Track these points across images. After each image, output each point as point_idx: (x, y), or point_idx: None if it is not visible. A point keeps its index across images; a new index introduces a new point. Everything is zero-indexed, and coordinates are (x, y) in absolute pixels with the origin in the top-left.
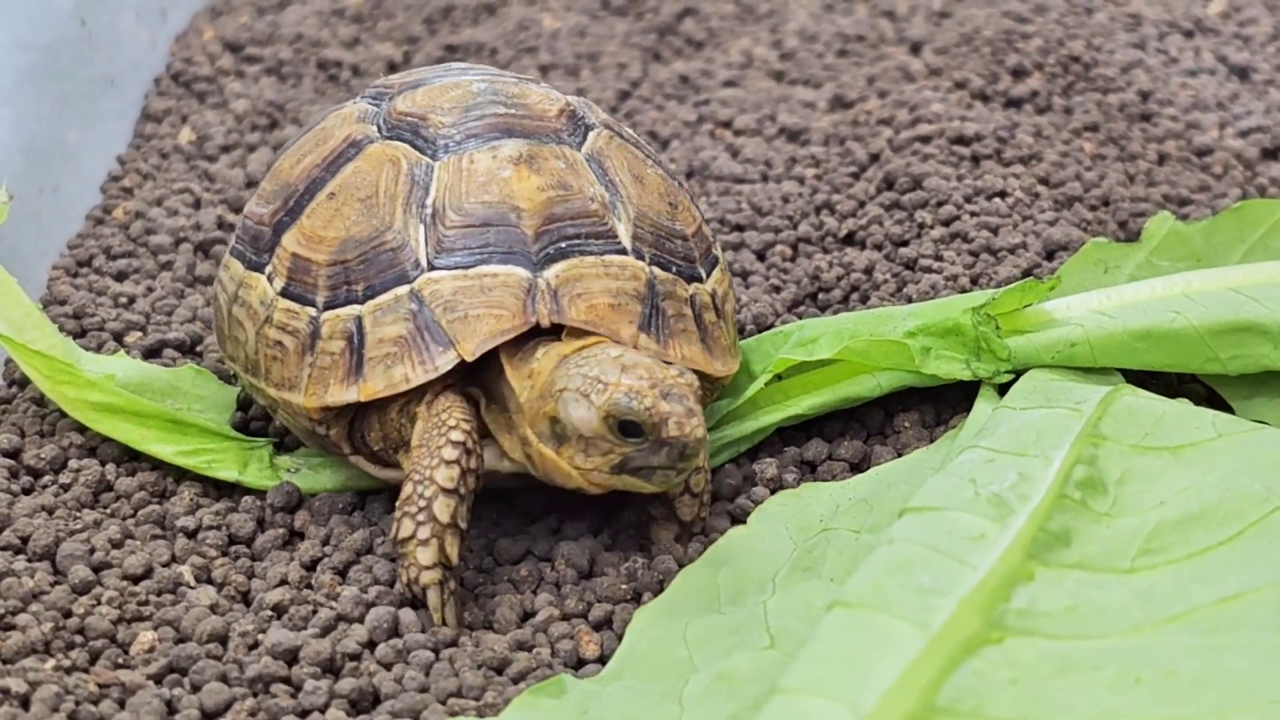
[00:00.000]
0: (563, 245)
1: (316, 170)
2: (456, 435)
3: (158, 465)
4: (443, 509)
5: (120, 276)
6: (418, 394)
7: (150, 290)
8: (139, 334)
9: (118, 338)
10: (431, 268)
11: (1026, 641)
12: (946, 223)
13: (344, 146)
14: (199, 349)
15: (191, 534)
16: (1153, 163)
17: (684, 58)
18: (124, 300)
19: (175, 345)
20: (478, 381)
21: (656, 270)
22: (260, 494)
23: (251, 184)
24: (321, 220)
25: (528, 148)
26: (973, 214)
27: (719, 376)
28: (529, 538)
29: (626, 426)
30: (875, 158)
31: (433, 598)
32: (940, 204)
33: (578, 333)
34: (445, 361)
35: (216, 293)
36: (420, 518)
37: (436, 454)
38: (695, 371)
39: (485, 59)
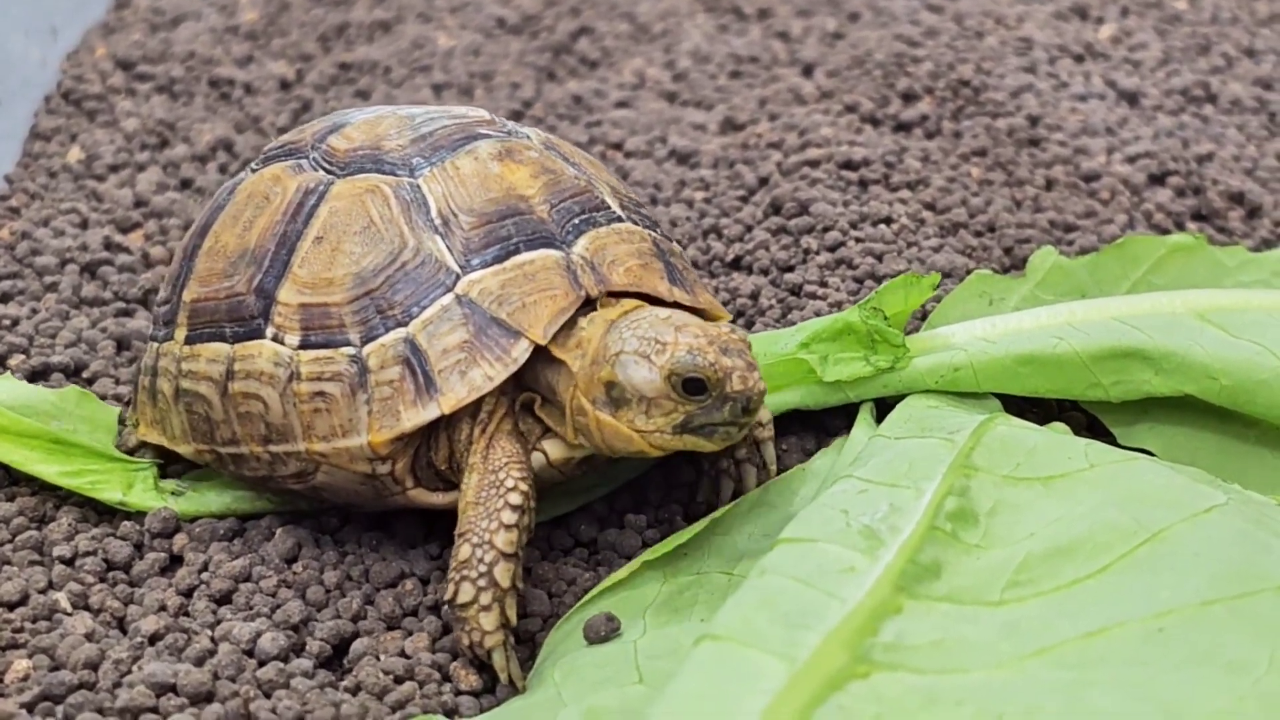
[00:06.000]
0: (575, 222)
1: (280, 225)
2: (515, 498)
3: (38, 490)
4: (504, 574)
5: (4, 298)
6: (487, 401)
7: (35, 312)
8: (22, 356)
9: (0, 360)
10: (466, 270)
11: (893, 676)
12: (832, 249)
13: (300, 196)
14: (84, 373)
15: (69, 560)
16: (1040, 188)
17: (578, 77)
18: (7, 322)
19: (60, 369)
20: (527, 383)
21: (650, 232)
22: (140, 518)
23: (140, 204)
24: (321, 264)
25: (500, 145)
26: (858, 240)
27: (726, 319)
28: (406, 561)
29: (690, 384)
30: (764, 181)
31: (498, 660)
32: (826, 229)
33: (611, 300)
34: (521, 351)
35: (184, 386)
36: (481, 583)
37: (495, 516)
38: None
39: (379, 77)
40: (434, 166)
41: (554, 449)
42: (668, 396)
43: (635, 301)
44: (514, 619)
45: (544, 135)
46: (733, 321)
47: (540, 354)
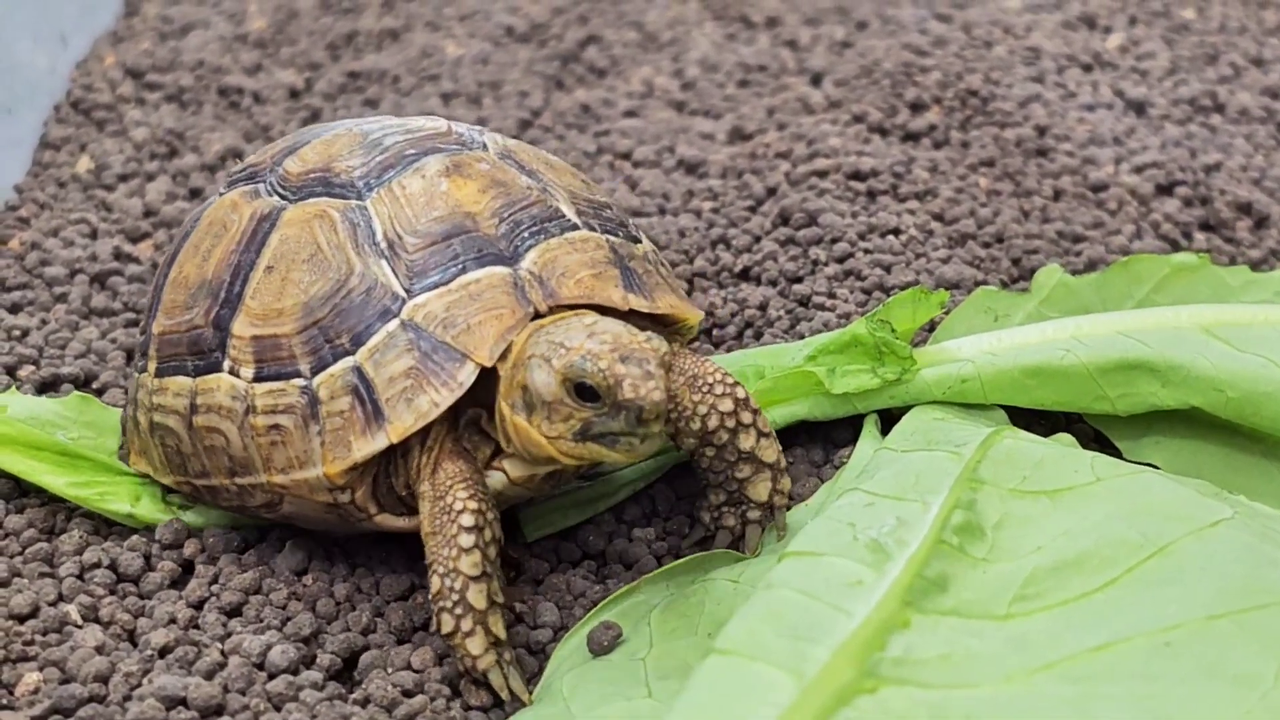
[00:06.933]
0: (525, 235)
1: (235, 255)
2: (467, 520)
3: (47, 502)
4: (477, 596)
5: (14, 309)
6: (433, 429)
7: (44, 323)
8: (32, 368)
9: (10, 371)
10: (411, 294)
11: (901, 691)
12: (841, 259)
13: (254, 224)
14: (94, 384)
15: (79, 573)
16: (1048, 199)
17: (586, 86)
18: (17, 333)
19: (70, 379)
20: (478, 400)
21: (610, 237)
22: (150, 530)
23: (149, 213)
24: (271, 295)
25: (449, 160)
26: (866, 251)
27: (694, 323)
28: (416, 574)
29: (582, 389)
30: (772, 191)
31: (495, 680)
32: (835, 240)
33: (567, 310)
34: (466, 375)
35: (157, 420)
36: (458, 610)
37: (453, 543)
38: (671, 324)
39: (387, 86)
40: (382, 187)
41: (514, 467)
42: (563, 401)
43: (584, 313)
44: (503, 634)
45: (503, 143)
46: (737, 337)
47: (489, 370)
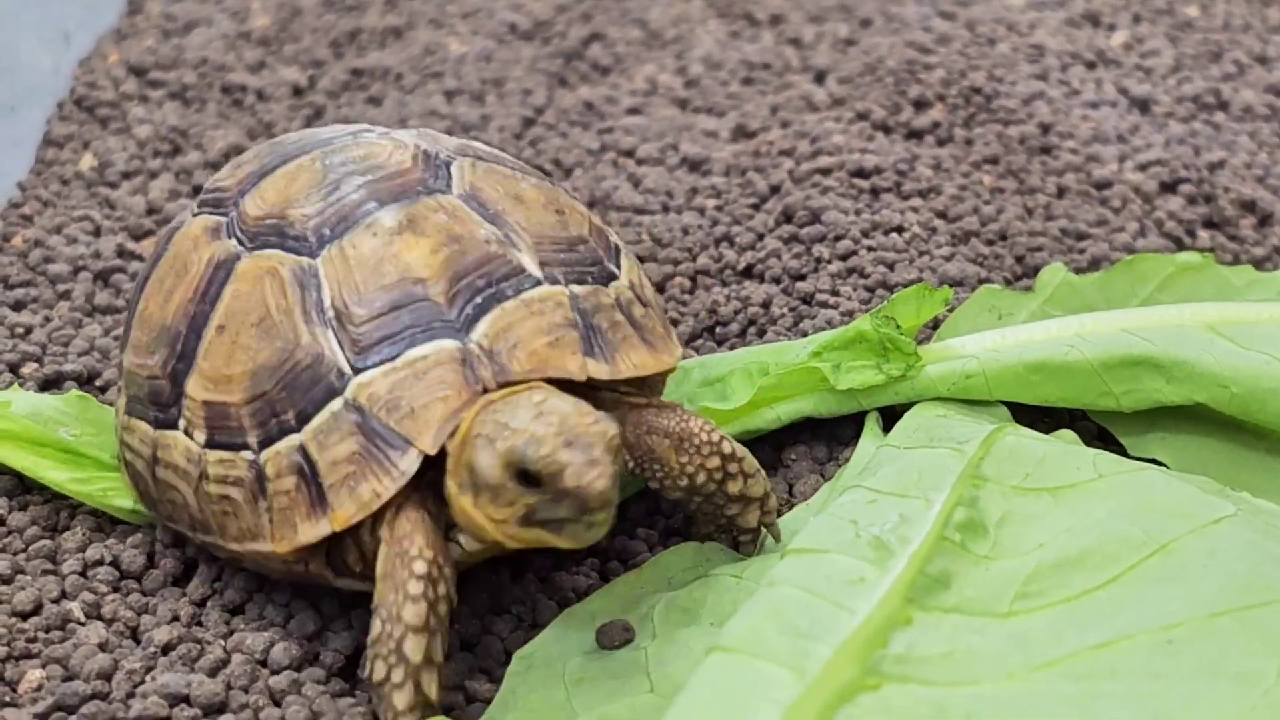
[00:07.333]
0: (479, 300)
1: (192, 305)
2: (419, 567)
3: (50, 499)
4: (414, 648)
5: (17, 306)
6: (385, 506)
7: (48, 320)
8: (35, 365)
9: (13, 369)
10: (357, 371)
11: (903, 688)
12: (844, 257)
13: (211, 271)
14: (97, 382)
15: (83, 569)
16: (1052, 196)
17: (589, 83)
18: (20, 330)
19: (73, 377)
20: (440, 465)
21: (575, 288)
22: (152, 528)
23: (152, 211)
24: (221, 358)
25: (404, 212)
26: (870, 249)
27: (668, 369)
28: None
29: (525, 475)
30: (775, 189)
31: None
32: (838, 238)
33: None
34: (409, 464)
35: (128, 457)
36: (391, 659)
37: (402, 589)
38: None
39: (391, 84)
40: (334, 244)
41: (467, 541)
42: (506, 486)
43: (537, 383)
44: (434, 697)
45: (470, 177)
46: (740, 335)
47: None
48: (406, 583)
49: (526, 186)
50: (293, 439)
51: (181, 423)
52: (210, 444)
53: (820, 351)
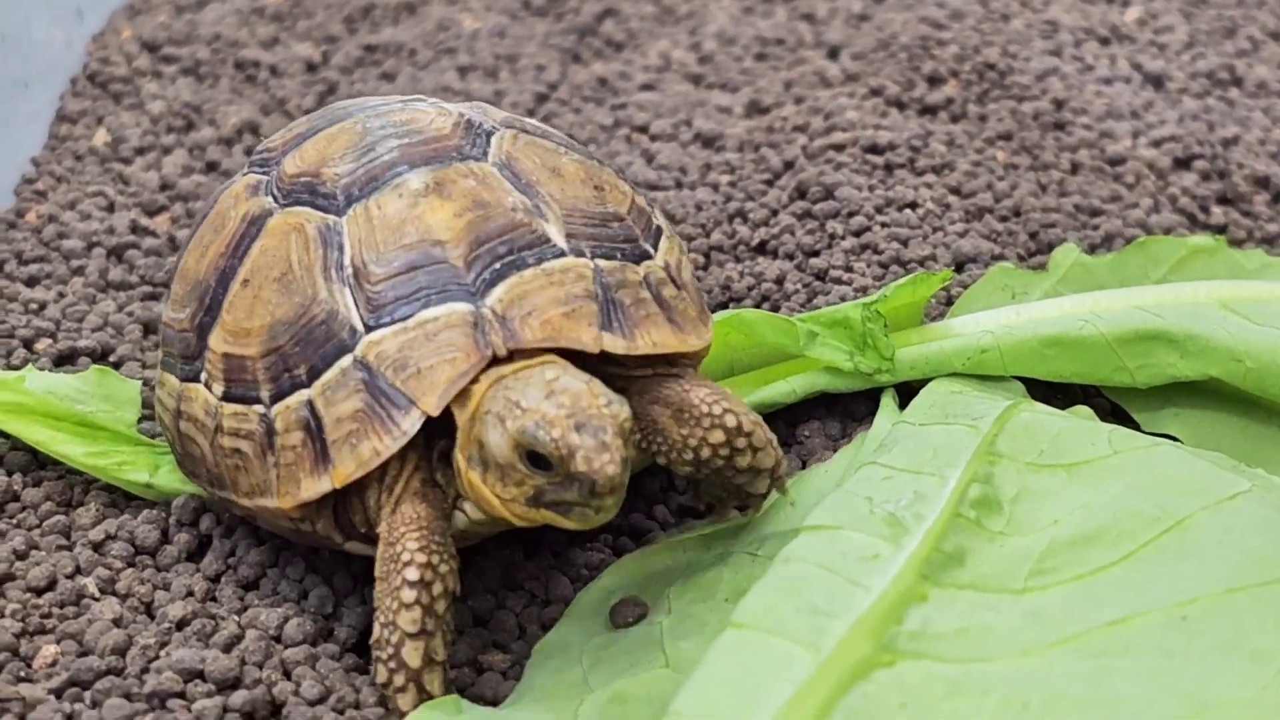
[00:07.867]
0: (497, 266)
1: (223, 260)
2: (412, 574)
3: (65, 475)
4: (412, 654)
5: (31, 282)
6: (392, 465)
7: (61, 296)
8: (49, 340)
9: (27, 344)
10: (369, 329)
11: (918, 665)
12: (858, 233)
13: (244, 227)
14: (111, 358)
15: (97, 545)
16: (1065, 172)
17: (603, 59)
18: (34, 306)
19: (87, 352)
20: (451, 432)
21: (601, 262)
22: (167, 503)
23: (166, 187)
24: (243, 311)
25: (433, 175)
26: (883, 225)
27: (695, 351)
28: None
29: (534, 457)
30: (789, 165)
31: None
32: (851, 214)
33: (537, 351)
34: (411, 423)
35: (159, 411)
36: (392, 665)
37: (395, 595)
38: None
39: (404, 60)
40: (360, 204)
41: (473, 510)
42: (515, 466)
43: (552, 358)
44: (438, 691)
45: (508, 149)
46: (759, 302)
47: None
48: (399, 590)
49: (567, 161)
50: (302, 394)
51: (203, 375)
52: (227, 397)
53: (806, 319)
